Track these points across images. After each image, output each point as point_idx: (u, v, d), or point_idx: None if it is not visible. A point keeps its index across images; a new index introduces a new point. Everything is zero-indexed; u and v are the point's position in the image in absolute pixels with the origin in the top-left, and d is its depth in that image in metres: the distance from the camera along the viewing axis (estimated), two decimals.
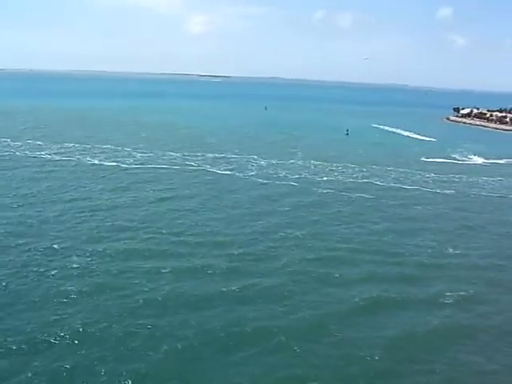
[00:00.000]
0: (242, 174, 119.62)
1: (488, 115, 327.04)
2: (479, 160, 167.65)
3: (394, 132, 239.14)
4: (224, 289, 57.04)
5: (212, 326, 49.22)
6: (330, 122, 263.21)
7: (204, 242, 71.31)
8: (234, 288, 57.37)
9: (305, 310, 53.55)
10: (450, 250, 74.79)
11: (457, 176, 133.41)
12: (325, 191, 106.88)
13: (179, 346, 45.71)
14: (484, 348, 49.24)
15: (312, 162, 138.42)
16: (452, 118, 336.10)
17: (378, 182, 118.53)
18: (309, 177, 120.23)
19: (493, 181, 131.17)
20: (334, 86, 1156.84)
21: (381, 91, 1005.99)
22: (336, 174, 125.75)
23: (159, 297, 54.55)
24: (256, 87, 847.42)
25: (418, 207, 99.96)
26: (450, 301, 58.01)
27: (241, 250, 68.91)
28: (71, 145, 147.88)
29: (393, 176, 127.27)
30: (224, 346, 46.28)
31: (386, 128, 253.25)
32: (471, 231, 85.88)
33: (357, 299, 56.59)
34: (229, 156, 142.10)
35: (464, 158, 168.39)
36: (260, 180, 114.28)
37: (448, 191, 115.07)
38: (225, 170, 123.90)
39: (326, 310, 53.97)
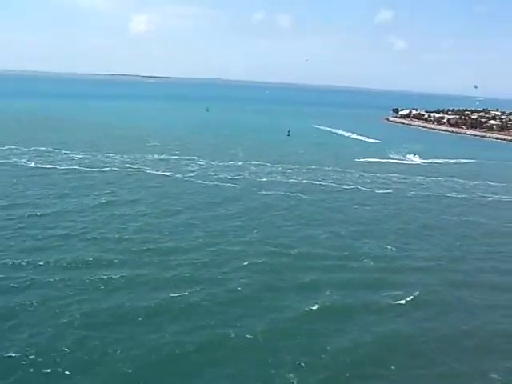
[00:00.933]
0: (182, 176, 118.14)
1: (426, 116, 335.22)
2: (417, 160, 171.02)
3: (334, 133, 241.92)
4: (167, 297, 56.00)
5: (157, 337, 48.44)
6: (272, 123, 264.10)
7: (147, 250, 69.60)
8: (177, 297, 56.25)
9: (253, 319, 52.87)
10: (391, 252, 76.00)
11: (395, 176, 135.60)
12: (265, 193, 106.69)
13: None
14: (429, 354, 49.76)
15: (253, 162, 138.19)
16: (391, 118, 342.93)
17: (317, 183, 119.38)
18: (249, 178, 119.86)
19: (430, 180, 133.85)
20: (277, 86, 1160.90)
21: (322, 92, 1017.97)
22: (276, 174, 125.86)
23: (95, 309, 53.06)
24: (197, 88, 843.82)
25: (356, 207, 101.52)
26: (400, 304, 58.79)
27: (185, 257, 67.66)
28: (6, 147, 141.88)
29: (332, 176, 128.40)
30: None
31: (327, 129, 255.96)
32: (410, 232, 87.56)
33: (304, 306, 56.34)
34: (169, 157, 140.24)
35: (403, 158, 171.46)
36: (200, 181, 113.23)
37: (386, 191, 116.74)
38: (165, 171, 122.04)
39: (274, 317, 53.65)
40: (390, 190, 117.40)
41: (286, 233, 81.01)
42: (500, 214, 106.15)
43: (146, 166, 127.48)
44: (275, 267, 66.40)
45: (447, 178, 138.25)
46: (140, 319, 51.22)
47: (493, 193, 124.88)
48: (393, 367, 46.56)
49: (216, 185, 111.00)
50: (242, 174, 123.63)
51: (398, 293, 61.31)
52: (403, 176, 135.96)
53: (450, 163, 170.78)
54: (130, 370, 43.06)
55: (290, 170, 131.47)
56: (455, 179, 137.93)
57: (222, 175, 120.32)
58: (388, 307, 57.86)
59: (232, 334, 49.41)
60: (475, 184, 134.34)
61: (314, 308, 55.94)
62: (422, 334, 52.85)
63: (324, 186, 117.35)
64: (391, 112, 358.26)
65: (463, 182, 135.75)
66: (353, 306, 57.49)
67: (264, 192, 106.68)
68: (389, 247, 77.40)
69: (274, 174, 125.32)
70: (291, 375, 43.91)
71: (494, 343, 52.34)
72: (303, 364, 45.52)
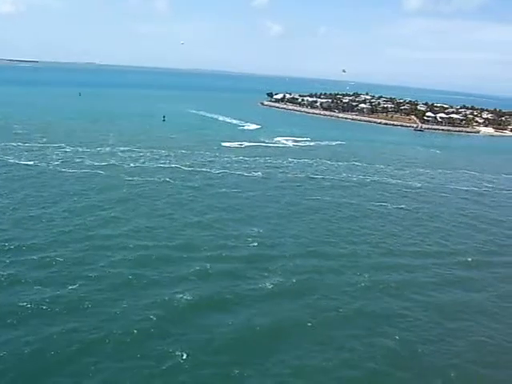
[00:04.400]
0: (46, 165, 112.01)
1: (300, 100, 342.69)
2: (290, 143, 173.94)
3: (209, 117, 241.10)
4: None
5: None
6: (148, 109, 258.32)
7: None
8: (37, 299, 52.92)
9: (125, 316, 50.99)
10: (259, 235, 76.67)
11: (267, 159, 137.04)
12: (130, 178, 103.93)
13: None
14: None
15: (121, 148, 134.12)
16: (266, 102, 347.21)
17: (186, 168, 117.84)
18: (116, 164, 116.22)
19: (300, 162, 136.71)
20: (154, 71, 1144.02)
21: (199, 77, 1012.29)
22: (145, 160, 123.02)
23: None
24: (69, 73, 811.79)
25: (224, 189, 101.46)
26: (279, 292, 58.87)
27: (43, 255, 63.22)
28: None
29: (203, 161, 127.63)
30: None
31: (203, 113, 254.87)
32: (279, 214, 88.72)
33: (180, 299, 55.09)
34: (33, 145, 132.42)
35: (275, 142, 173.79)
36: (64, 170, 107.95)
37: (256, 174, 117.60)
38: (27, 160, 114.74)
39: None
40: (259, 173, 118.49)
41: (155, 222, 78.94)
42: (363, 193, 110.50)
43: (6, 155, 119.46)
44: (142, 259, 64.47)
45: (317, 160, 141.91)
46: None
47: (358, 173, 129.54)
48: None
49: (81, 172, 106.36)
50: (109, 160, 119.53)
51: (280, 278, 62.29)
52: (274, 159, 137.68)
53: (321, 145, 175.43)
54: None
55: (160, 156, 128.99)
56: (324, 161, 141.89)
57: (89, 162, 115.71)
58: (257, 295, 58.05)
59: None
60: (342, 165, 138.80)
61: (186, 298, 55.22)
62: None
63: (193, 170, 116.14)
64: (266, 96, 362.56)
65: (331, 163, 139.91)
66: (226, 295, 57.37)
67: (130, 178, 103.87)
68: (255, 229, 78.19)
69: (142, 160, 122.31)
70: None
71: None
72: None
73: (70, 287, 55.12)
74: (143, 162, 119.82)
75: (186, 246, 69.53)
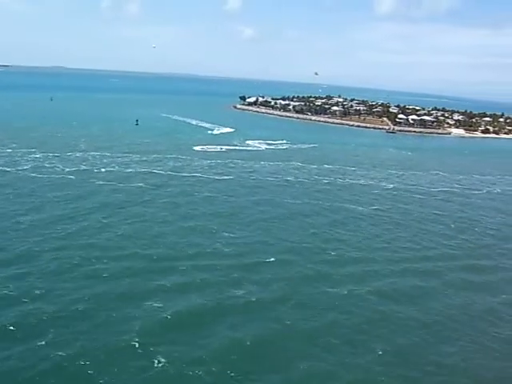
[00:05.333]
0: (14, 170, 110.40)
1: (272, 103, 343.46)
2: (262, 146, 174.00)
3: (182, 121, 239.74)
4: None
5: None
6: (121, 113, 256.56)
7: None
8: None
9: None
10: (226, 239, 76.95)
11: (238, 162, 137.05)
12: (101, 183, 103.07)
13: None
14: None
15: (93, 153, 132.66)
16: (239, 106, 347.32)
17: (157, 172, 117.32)
18: (87, 169, 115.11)
19: (272, 165, 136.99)
20: (127, 75, 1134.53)
21: (172, 81, 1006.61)
22: (116, 165, 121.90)
23: None
24: (41, 78, 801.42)
25: (196, 193, 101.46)
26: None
27: (15, 267, 61.49)
28: None
29: (174, 165, 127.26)
30: None
31: (176, 117, 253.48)
32: (246, 218, 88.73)
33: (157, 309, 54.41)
34: (3, 151, 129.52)
35: (248, 145, 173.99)
36: (33, 175, 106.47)
37: (228, 177, 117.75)
38: None
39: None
40: (231, 177, 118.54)
41: (127, 229, 78.01)
42: (336, 195, 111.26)
43: None
44: (116, 268, 63.58)
45: (290, 163, 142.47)
46: None
47: (331, 175, 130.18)
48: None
49: (52, 178, 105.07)
50: (81, 165, 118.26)
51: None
52: (247, 162, 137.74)
53: (294, 148, 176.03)
54: None
55: (132, 160, 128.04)
56: (297, 164, 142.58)
57: (60, 168, 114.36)
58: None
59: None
60: (315, 167, 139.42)
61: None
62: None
63: (165, 175, 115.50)
64: (239, 99, 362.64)
65: (303, 165, 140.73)
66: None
67: (102, 183, 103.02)
68: (228, 234, 78.50)
69: (114, 165, 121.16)
70: None
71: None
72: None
73: (42, 300, 54.03)
74: (115, 167, 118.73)
75: (161, 253, 68.89)
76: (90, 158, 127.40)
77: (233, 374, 44.74)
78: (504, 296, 66.92)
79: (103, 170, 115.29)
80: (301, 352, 49.07)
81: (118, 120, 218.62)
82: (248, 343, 49.40)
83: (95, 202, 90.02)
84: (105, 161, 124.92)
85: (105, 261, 64.68)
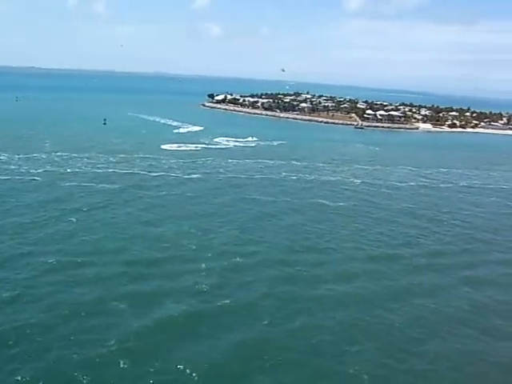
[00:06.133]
0: None
1: (241, 100, 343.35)
2: (231, 144, 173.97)
3: (150, 120, 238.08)
4: None
5: None
6: (89, 112, 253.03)
7: None
8: None
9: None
10: (191, 236, 76.67)
11: (206, 160, 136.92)
12: (67, 184, 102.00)
13: None
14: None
15: (59, 154, 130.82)
16: (207, 104, 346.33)
17: (125, 171, 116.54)
18: (54, 170, 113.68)
19: (239, 162, 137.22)
20: (96, 74, 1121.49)
21: (140, 79, 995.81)
22: (82, 165, 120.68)
23: None
24: (6, 77, 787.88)
25: (164, 192, 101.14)
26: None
27: None
28: None
29: (142, 164, 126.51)
30: None
31: (144, 116, 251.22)
32: (218, 216, 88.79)
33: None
34: None
35: (216, 143, 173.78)
36: None
37: (195, 175, 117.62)
38: None
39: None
40: (199, 175, 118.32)
41: (92, 230, 77.37)
42: (303, 191, 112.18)
43: None
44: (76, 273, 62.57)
45: (258, 160, 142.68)
46: None
47: (299, 172, 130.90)
48: None
49: (16, 179, 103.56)
50: (46, 166, 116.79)
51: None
52: (215, 160, 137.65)
53: (262, 145, 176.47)
54: None
55: (98, 160, 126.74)
56: (265, 161, 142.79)
57: (24, 169, 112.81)
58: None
59: None
60: (283, 164, 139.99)
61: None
62: None
63: (132, 174, 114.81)
64: (207, 97, 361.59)
65: (271, 162, 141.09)
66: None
67: (68, 184, 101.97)
68: (194, 231, 78.67)
69: (80, 165, 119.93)
70: None
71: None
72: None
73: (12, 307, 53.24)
74: (81, 168, 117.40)
75: (130, 257, 68.31)
76: (56, 158, 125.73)
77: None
78: (462, 276, 71.09)
79: (69, 170, 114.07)
80: (282, 349, 49.55)
81: (85, 120, 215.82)
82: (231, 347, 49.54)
83: (62, 204, 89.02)
84: (71, 162, 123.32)
85: (75, 266, 63.56)
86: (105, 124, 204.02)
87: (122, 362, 45.12)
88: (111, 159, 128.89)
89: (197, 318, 53.35)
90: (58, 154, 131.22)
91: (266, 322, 53.69)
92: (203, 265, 65.91)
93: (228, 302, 57.11)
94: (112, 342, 47.56)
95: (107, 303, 54.86)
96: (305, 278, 65.07)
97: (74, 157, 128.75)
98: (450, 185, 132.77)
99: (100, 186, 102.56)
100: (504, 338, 55.13)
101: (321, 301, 59.24)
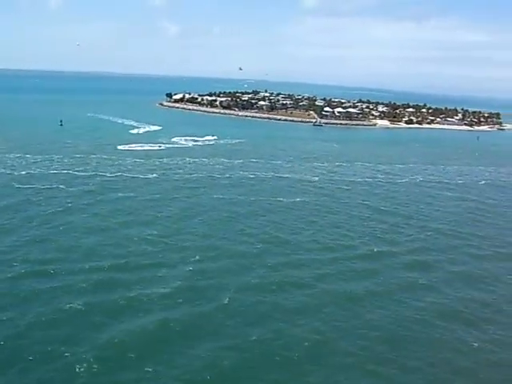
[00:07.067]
0: None
1: (199, 99, 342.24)
2: (189, 143, 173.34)
3: (108, 120, 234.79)
4: None
5: None
6: (45, 114, 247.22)
7: None
8: None
9: None
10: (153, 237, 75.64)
11: (165, 159, 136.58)
12: (20, 186, 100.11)
13: None
14: None
15: (12, 156, 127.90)
16: (165, 103, 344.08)
17: (80, 173, 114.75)
18: (7, 172, 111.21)
19: (197, 161, 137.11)
20: (49, 75, 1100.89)
21: (97, 79, 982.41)
22: (37, 167, 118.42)
23: None
24: None
25: (120, 193, 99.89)
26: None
27: None
28: None
29: (97, 164, 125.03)
30: None
31: (101, 116, 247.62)
32: (177, 217, 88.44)
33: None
34: None
35: (174, 142, 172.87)
36: None
37: (152, 175, 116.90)
38: None
39: None
40: (156, 175, 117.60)
41: (47, 232, 76.38)
42: (261, 189, 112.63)
43: None
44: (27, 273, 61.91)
45: (216, 159, 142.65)
46: None
47: (256, 170, 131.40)
48: None
49: None
50: None
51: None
52: (173, 160, 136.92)
53: (221, 144, 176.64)
54: None
55: (53, 162, 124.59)
56: (223, 159, 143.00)
57: None
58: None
59: None
60: (241, 162, 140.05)
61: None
62: None
63: (88, 175, 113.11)
64: (165, 97, 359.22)
65: (229, 161, 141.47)
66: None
67: (21, 186, 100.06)
68: (151, 232, 78.45)
69: (35, 167, 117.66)
70: None
71: None
72: None
73: None
74: (35, 170, 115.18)
75: (84, 254, 68.01)
76: (8, 161, 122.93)
77: None
78: (405, 260, 74.91)
79: (23, 172, 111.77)
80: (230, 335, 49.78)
81: (41, 121, 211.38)
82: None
83: (14, 206, 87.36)
84: (24, 163, 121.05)
85: (34, 275, 61.34)
86: (61, 125, 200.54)
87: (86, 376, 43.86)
88: (67, 160, 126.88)
89: (167, 325, 52.16)
90: (12, 155, 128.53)
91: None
92: (166, 270, 64.79)
93: (196, 308, 56.39)
94: (78, 355, 46.15)
95: (69, 313, 53.15)
96: (272, 278, 65.05)
97: (28, 158, 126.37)
98: (407, 180, 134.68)
99: (55, 186, 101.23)
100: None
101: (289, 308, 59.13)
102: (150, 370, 44.74)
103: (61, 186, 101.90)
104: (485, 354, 51.62)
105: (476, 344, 53.22)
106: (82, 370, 44.03)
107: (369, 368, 47.69)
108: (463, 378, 47.69)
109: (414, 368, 48.22)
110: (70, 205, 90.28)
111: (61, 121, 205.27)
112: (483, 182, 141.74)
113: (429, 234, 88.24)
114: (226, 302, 57.48)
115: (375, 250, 77.77)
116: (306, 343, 50.69)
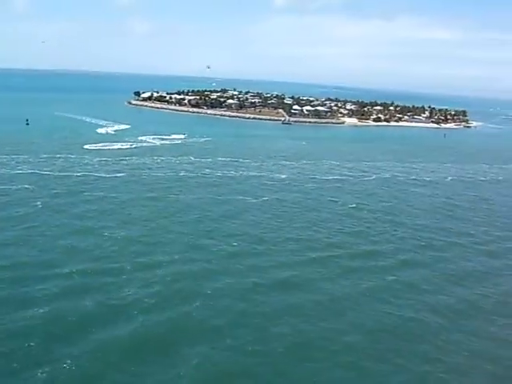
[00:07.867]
0: None
1: (168, 98, 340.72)
2: (157, 142, 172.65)
3: (75, 119, 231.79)
4: None
5: None
6: (9, 112, 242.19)
7: None
8: None
9: None
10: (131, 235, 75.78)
11: (133, 158, 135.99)
12: None
13: None
14: None
15: None
16: (134, 101, 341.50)
17: (44, 172, 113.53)
18: None
19: (165, 160, 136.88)
20: (14, 72, 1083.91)
21: (64, 77, 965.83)
22: (0, 167, 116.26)
23: None
24: None
25: (87, 193, 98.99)
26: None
27: None
28: None
29: (62, 164, 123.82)
30: None
31: (69, 115, 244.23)
32: (147, 218, 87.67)
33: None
34: None
35: (140, 140, 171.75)
36: None
37: (120, 175, 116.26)
38: None
39: None
40: (123, 174, 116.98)
41: (12, 233, 75.24)
42: (227, 187, 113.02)
43: None
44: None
45: (184, 158, 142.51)
46: None
47: (224, 168, 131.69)
48: None
49: None
50: None
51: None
52: (140, 159, 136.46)
53: (189, 142, 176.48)
54: None
55: (18, 162, 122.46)
56: (191, 158, 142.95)
57: None
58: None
59: None
60: (209, 161, 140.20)
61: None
62: None
63: (54, 175, 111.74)
64: (133, 95, 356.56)
65: (196, 159, 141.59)
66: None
67: None
68: (122, 233, 78.14)
69: None
70: None
71: None
72: None
73: None
74: (0, 170, 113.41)
75: (50, 259, 66.63)
76: None
77: None
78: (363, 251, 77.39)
79: None
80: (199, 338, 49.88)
81: (5, 120, 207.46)
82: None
83: None
84: None
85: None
86: (28, 124, 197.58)
87: None
88: (32, 160, 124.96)
89: (143, 335, 50.67)
90: None
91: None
92: (140, 273, 63.97)
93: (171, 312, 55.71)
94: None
95: (39, 323, 51.38)
96: (249, 278, 65.19)
97: None
98: (373, 177, 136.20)
99: (19, 187, 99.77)
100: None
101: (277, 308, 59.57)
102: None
103: (25, 186, 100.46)
104: (466, 346, 53.20)
105: (467, 340, 54.54)
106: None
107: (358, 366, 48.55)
108: (456, 376, 48.56)
109: (404, 366, 49.01)
110: (39, 206, 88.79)
111: (27, 120, 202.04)
112: (450, 178, 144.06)
113: (402, 229, 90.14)
114: (198, 304, 57.10)
115: (351, 247, 79.11)
116: (288, 343, 50.97)
